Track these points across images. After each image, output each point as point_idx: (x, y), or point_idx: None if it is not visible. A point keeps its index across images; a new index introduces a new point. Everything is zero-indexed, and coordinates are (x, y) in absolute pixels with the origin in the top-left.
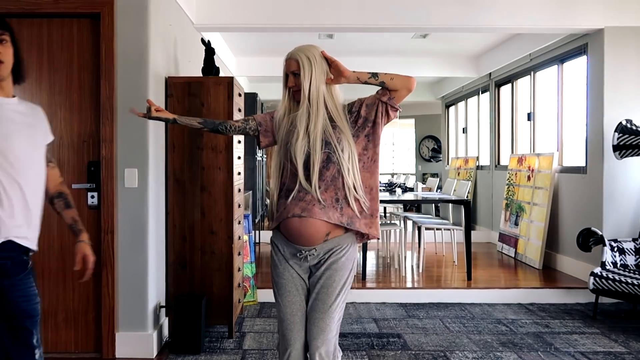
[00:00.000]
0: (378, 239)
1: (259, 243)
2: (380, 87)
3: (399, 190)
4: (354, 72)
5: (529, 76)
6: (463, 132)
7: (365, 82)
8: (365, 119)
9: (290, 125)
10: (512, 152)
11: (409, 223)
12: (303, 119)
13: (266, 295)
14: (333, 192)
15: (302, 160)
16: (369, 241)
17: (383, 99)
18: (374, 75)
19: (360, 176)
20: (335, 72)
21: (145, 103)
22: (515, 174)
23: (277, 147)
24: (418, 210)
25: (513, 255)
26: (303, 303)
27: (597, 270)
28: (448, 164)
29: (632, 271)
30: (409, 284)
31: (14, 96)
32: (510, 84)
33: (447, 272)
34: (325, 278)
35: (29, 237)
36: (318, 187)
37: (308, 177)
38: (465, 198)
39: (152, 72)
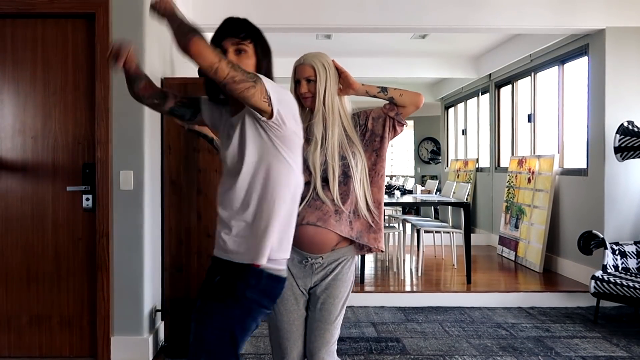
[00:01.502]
0: (382, 251)
1: None
2: (388, 102)
3: (397, 193)
4: (363, 85)
5: (529, 77)
6: (463, 134)
7: (374, 96)
8: (372, 133)
9: (304, 129)
10: (512, 154)
11: (408, 226)
12: (319, 127)
13: None
14: (348, 205)
15: (321, 170)
16: (369, 253)
17: (391, 114)
18: (384, 90)
19: (370, 190)
20: (345, 84)
21: (137, 102)
22: (516, 176)
23: None
24: (417, 213)
25: (513, 259)
26: (301, 312)
27: (599, 273)
28: (447, 166)
29: (633, 274)
30: (407, 288)
31: None
32: (510, 85)
33: (447, 275)
34: (332, 289)
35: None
36: (340, 200)
37: (324, 188)
38: (465, 200)
39: (147, 73)
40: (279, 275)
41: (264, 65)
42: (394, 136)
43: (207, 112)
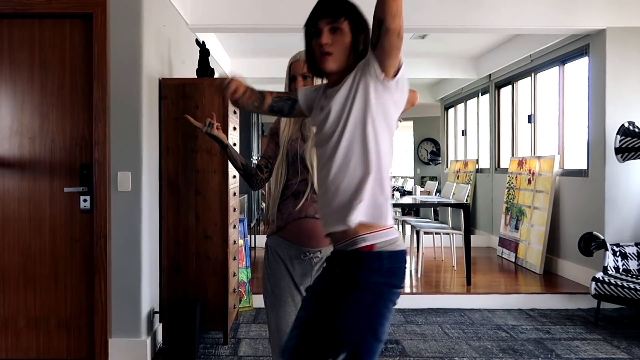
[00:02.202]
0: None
1: (255, 248)
2: None
3: (397, 194)
4: None
5: (529, 77)
6: (462, 135)
7: None
8: None
9: (298, 129)
10: (513, 154)
11: (408, 227)
12: (313, 129)
13: (262, 301)
14: None
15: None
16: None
17: None
18: None
19: None
20: None
21: (135, 103)
22: (516, 177)
23: (284, 148)
24: (417, 214)
25: (513, 260)
26: None
27: (599, 275)
28: (447, 167)
29: (634, 276)
30: (407, 289)
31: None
32: (510, 86)
33: (446, 277)
34: None
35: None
36: None
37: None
38: (465, 202)
39: (145, 74)
40: (398, 250)
41: (362, 40)
42: None
43: (302, 98)
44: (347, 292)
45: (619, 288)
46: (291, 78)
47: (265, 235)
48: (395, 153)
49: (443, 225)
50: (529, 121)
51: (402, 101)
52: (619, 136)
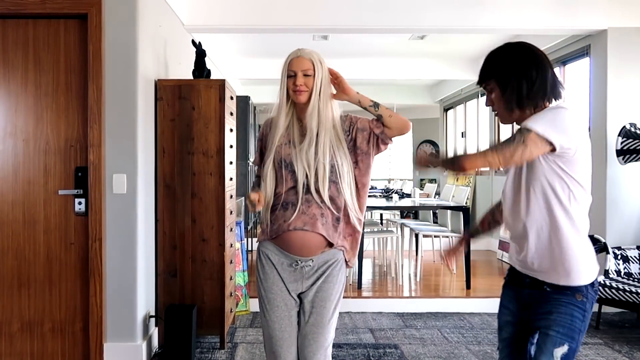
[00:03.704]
0: (350, 267)
1: (252, 251)
2: (375, 118)
3: (395, 197)
4: (357, 93)
5: None
6: (462, 137)
7: (364, 109)
8: (355, 144)
9: (284, 132)
10: None
11: (406, 230)
12: (314, 123)
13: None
14: (334, 209)
15: (313, 171)
16: (355, 260)
17: (376, 131)
18: (376, 105)
19: (356, 196)
20: (339, 88)
21: (131, 104)
22: None
23: (272, 154)
24: (415, 217)
25: None
26: (292, 318)
27: (600, 278)
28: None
29: (636, 280)
30: (406, 293)
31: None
32: None
33: (446, 280)
34: (323, 291)
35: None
36: (329, 201)
37: (314, 191)
38: (464, 204)
39: (141, 75)
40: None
41: (516, 87)
42: (377, 153)
43: None
44: (561, 314)
45: (620, 292)
46: (290, 74)
47: (257, 241)
48: (394, 156)
49: (442, 228)
50: None
51: (586, 135)
52: (620, 138)
